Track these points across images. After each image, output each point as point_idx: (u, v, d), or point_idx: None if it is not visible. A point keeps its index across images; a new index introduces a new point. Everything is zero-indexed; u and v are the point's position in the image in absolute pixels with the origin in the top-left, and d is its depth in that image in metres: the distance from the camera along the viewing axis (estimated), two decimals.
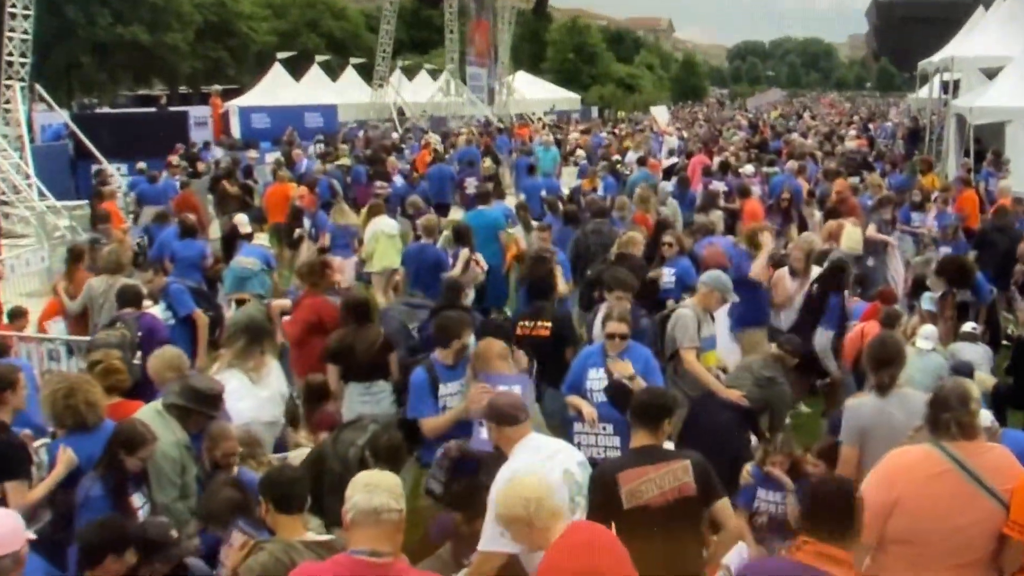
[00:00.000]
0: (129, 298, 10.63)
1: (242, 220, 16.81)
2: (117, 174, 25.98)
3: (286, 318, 11.12)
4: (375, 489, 4.68)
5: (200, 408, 7.38)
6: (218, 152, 31.79)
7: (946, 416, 5.52)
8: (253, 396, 8.62)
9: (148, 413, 7.30)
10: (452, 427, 7.91)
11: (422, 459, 8.30)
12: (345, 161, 25.93)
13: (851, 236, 14.49)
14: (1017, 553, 5.35)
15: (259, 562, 5.33)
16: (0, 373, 7.35)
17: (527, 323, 9.95)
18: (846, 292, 11.51)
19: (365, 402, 9.20)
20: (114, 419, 7.24)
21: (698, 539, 6.08)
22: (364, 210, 17.30)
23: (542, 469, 6.02)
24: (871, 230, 15.10)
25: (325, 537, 5.64)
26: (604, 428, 8.13)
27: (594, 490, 5.94)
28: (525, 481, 5.30)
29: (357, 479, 4.80)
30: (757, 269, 11.47)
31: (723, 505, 6.03)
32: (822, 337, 11.10)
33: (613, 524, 5.69)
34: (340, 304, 10.14)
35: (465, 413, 7.80)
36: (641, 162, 25.64)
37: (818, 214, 17.31)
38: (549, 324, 9.88)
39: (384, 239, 15.46)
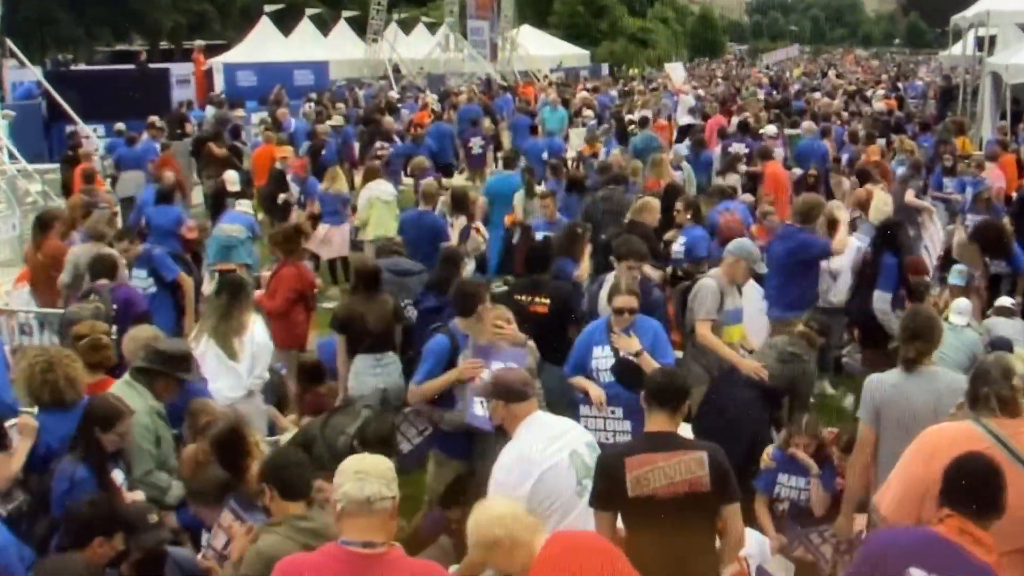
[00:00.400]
0: (103, 269, 10.54)
1: (231, 177, 16.72)
2: (94, 136, 25.88)
3: (258, 292, 11.08)
4: (366, 477, 4.66)
5: (167, 370, 7.42)
6: (212, 112, 31.49)
7: (986, 390, 5.58)
8: (231, 374, 8.65)
9: (117, 386, 7.36)
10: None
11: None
12: (338, 120, 25.85)
13: (878, 205, 14.48)
14: None
15: (270, 544, 5.36)
16: None
17: (523, 297, 9.79)
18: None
19: (377, 374, 9.36)
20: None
21: (710, 536, 5.93)
22: (363, 174, 17.26)
23: (548, 450, 6.01)
24: (910, 195, 15.01)
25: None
26: (613, 411, 8.09)
27: (599, 473, 5.86)
28: (493, 502, 5.33)
29: (346, 466, 4.77)
30: (839, 244, 11.46)
31: (733, 510, 5.90)
32: (880, 300, 11.06)
33: (618, 512, 5.74)
34: (353, 272, 10.18)
35: (450, 384, 7.91)
36: (643, 123, 25.57)
37: (847, 182, 17.03)
38: (547, 300, 9.72)
39: (380, 205, 15.41)
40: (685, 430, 6.47)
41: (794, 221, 11.73)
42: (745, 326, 9.91)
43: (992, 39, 29.57)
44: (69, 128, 25.62)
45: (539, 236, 12.97)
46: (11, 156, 22.35)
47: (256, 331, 8.97)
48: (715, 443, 5.98)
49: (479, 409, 7.65)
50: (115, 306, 9.90)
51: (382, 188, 15.72)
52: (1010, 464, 5.28)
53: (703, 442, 6.12)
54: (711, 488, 5.71)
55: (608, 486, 5.74)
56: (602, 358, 8.27)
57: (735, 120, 24.62)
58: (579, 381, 8.30)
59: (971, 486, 4.77)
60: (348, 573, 4.58)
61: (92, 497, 6.04)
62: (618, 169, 16.12)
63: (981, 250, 12.19)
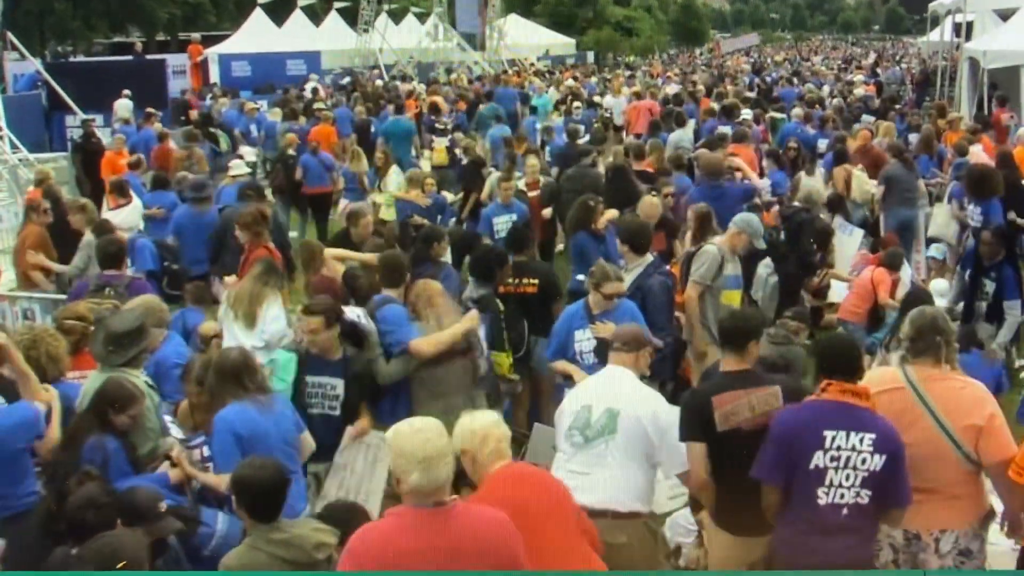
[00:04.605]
0: (113, 256, 10.20)
1: (236, 162, 16.67)
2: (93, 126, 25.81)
3: (229, 279, 11.05)
4: (431, 466, 4.68)
5: (141, 346, 7.39)
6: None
7: (939, 339, 6.13)
8: (232, 339, 8.67)
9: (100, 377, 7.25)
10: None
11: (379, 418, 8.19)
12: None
13: (860, 185, 14.56)
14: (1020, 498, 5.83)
15: (233, 557, 5.34)
16: None
17: (510, 280, 9.97)
18: None
19: None
20: (83, 369, 7.41)
21: None
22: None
23: (574, 402, 6.76)
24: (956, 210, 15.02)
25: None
26: None
27: (689, 411, 6.36)
28: (477, 416, 5.64)
29: (410, 451, 4.73)
30: None
31: None
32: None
33: (705, 445, 6.24)
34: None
35: (460, 336, 8.28)
36: (489, 95, 28.66)
37: (820, 171, 17.02)
38: (536, 281, 9.98)
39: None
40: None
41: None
42: None
43: (969, 25, 29.52)
44: (80, 117, 25.51)
45: (498, 220, 13.06)
46: (13, 146, 22.33)
47: (273, 307, 8.91)
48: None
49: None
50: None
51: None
52: (915, 405, 6.00)
53: (775, 376, 6.70)
54: None
55: (698, 421, 6.26)
56: (584, 341, 8.45)
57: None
58: (561, 365, 8.51)
59: (840, 356, 5.95)
60: (424, 528, 4.68)
61: (90, 496, 5.67)
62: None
63: (968, 189, 12.47)
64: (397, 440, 4.80)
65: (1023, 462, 5.65)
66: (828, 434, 5.66)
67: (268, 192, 17.53)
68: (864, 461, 5.65)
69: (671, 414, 6.52)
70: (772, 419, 5.96)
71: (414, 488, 4.69)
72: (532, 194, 14.42)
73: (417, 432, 4.79)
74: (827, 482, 5.67)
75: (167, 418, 7.23)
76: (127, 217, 13.85)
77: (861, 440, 5.65)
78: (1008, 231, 11.57)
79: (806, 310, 10.38)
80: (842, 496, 5.68)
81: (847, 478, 5.66)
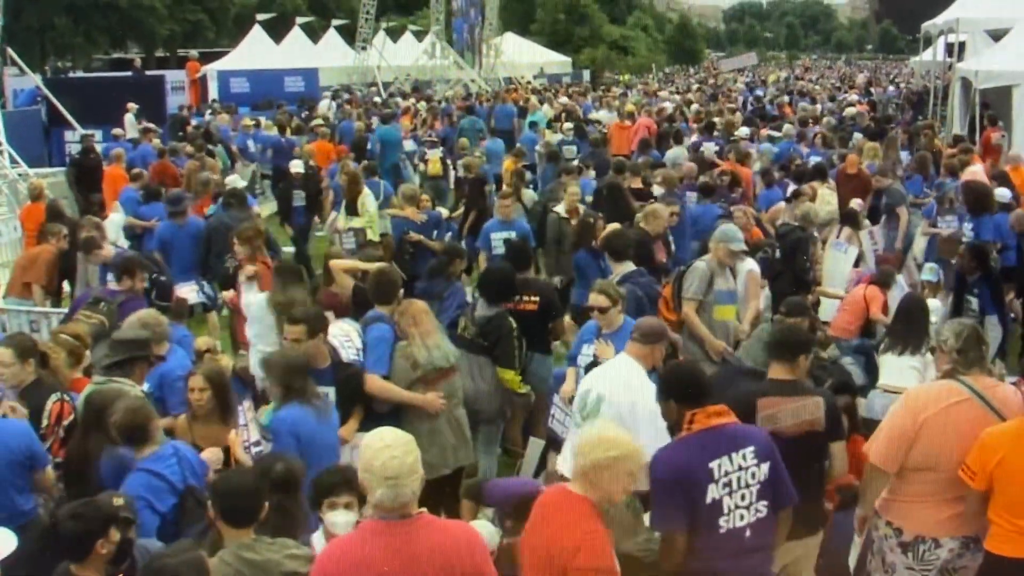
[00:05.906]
0: (115, 270, 10.49)
1: (233, 177, 16.72)
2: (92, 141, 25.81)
3: (227, 293, 11.12)
4: (398, 484, 4.68)
5: (135, 354, 7.45)
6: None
7: (984, 348, 6.31)
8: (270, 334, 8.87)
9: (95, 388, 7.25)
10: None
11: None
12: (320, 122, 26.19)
13: (825, 201, 14.74)
14: (974, 502, 6.04)
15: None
16: None
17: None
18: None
19: None
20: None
21: (820, 470, 6.60)
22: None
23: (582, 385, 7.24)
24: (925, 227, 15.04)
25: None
26: None
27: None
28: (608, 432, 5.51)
29: (376, 468, 4.71)
30: None
31: (840, 446, 6.61)
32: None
33: None
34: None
35: (413, 403, 8.13)
36: (470, 110, 29.07)
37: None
38: (537, 299, 9.92)
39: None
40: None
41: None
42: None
43: (962, 45, 29.58)
44: (80, 133, 25.50)
45: (496, 236, 13.00)
46: (12, 160, 22.30)
47: None
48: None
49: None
50: (120, 321, 9.18)
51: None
52: (985, 411, 6.11)
53: (819, 388, 6.87)
54: (825, 428, 6.44)
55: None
56: (586, 355, 8.62)
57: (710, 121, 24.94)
58: (569, 374, 8.78)
59: (691, 383, 5.92)
60: (387, 538, 4.69)
61: (73, 507, 5.48)
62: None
63: (965, 204, 13.00)
64: (365, 454, 4.81)
65: (974, 465, 5.91)
66: (713, 465, 5.63)
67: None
68: (754, 475, 5.72)
69: (651, 407, 6.52)
70: (656, 466, 5.75)
71: (379, 503, 4.71)
72: (573, 221, 13.45)
73: (386, 448, 4.77)
74: (725, 510, 5.66)
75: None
76: None
77: (744, 456, 5.70)
78: (983, 250, 11.70)
79: (804, 301, 10.04)
80: (742, 517, 5.70)
81: (743, 498, 5.69)
